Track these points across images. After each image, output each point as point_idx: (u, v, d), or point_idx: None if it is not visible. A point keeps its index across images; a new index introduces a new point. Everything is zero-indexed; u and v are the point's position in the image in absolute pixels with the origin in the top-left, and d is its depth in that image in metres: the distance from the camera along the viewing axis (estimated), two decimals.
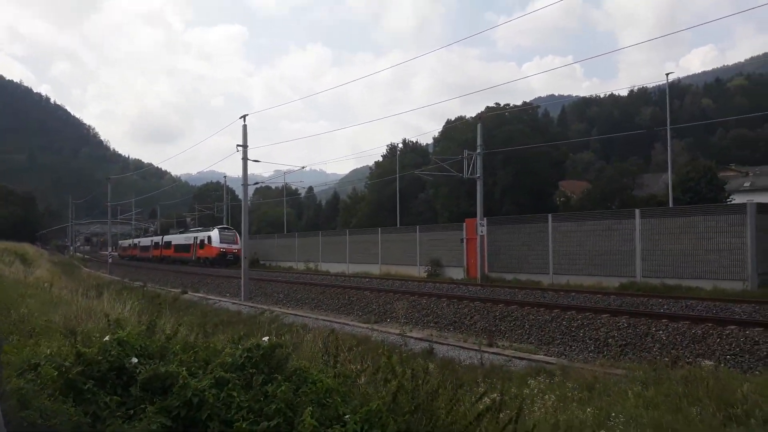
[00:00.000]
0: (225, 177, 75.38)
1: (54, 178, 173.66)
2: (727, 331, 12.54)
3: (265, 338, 5.05)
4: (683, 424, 5.78)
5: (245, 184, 29.17)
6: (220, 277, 37.03)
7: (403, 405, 4.22)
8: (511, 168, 49.54)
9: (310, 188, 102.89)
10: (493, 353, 12.15)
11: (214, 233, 54.85)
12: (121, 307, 10.92)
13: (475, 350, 11.75)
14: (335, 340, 5.79)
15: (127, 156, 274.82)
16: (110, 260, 53.74)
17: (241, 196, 32.08)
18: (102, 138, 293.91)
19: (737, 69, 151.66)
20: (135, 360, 4.47)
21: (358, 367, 5.39)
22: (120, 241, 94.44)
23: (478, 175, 31.05)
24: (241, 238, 47.50)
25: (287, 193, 74.36)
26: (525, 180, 50.24)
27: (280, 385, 4.14)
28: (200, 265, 52.46)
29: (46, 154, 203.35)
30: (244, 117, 28.05)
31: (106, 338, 4.70)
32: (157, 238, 73.67)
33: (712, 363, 9.83)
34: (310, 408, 3.79)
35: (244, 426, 3.76)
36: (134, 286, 25.25)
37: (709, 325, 13.13)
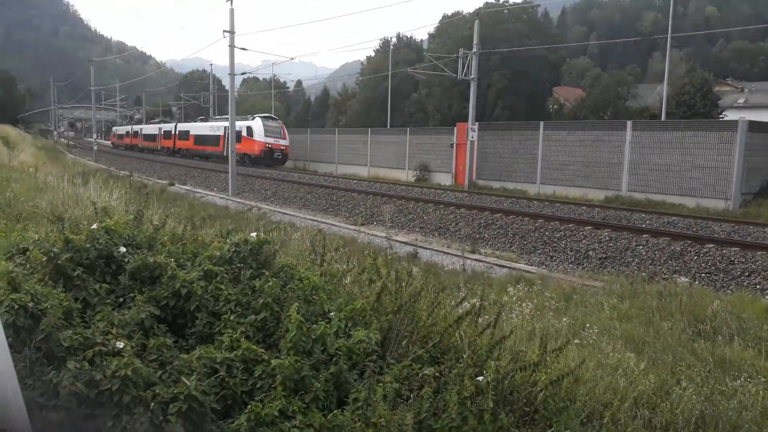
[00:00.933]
0: (211, 65, 73.28)
1: (34, 56, 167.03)
2: (705, 250, 12.83)
3: (253, 234, 5.08)
4: (654, 337, 6.04)
5: (232, 74, 28.34)
6: (207, 171, 36.84)
7: (387, 305, 4.34)
8: (507, 70, 48.46)
9: (299, 82, 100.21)
10: (475, 260, 12.41)
11: (256, 123, 42.64)
12: (108, 195, 10.89)
13: (458, 256, 12.00)
14: (323, 239, 5.85)
15: (109, 38, 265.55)
16: (95, 147, 52.90)
17: (228, 86, 31.19)
18: (83, 16, 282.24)
19: None
20: (123, 249, 4.49)
21: (344, 267, 5.48)
22: (115, 128, 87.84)
23: (472, 76, 30.27)
24: (286, 132, 43.30)
25: (275, 85, 72.59)
26: (520, 84, 49.29)
27: (268, 281, 4.20)
28: (237, 164, 43.44)
29: (23, 30, 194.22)
30: (231, 0, 26.85)
31: (94, 226, 4.69)
32: (169, 127, 62.50)
33: (687, 280, 10.15)
34: (297, 304, 3.87)
35: (231, 318, 3.85)
36: (120, 176, 25.08)
37: (688, 242, 13.41)
